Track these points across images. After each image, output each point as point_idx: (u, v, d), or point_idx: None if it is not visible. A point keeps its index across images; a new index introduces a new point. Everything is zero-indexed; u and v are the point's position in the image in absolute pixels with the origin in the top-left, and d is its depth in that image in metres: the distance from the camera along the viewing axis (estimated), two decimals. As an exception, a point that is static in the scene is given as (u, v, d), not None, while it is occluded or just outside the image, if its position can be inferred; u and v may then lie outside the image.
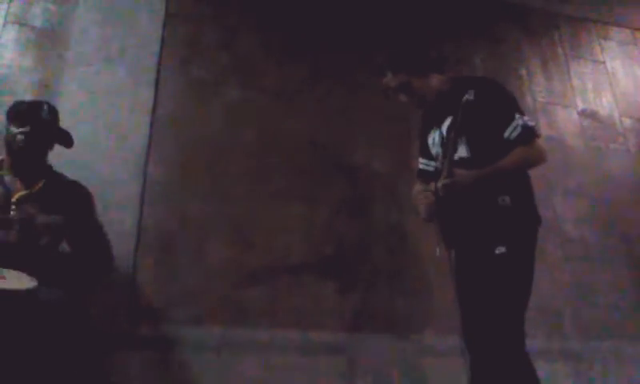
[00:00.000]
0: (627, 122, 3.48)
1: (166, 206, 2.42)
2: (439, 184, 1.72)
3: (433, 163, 1.98)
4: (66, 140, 1.87)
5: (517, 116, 1.73)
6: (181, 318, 2.26)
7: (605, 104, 3.49)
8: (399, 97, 1.91)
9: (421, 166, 2.05)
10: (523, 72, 3.38)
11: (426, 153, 2.02)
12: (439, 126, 1.88)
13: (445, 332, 2.53)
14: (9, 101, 2.29)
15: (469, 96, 1.69)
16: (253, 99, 2.75)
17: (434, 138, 1.92)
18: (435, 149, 1.92)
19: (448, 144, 1.76)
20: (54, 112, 1.83)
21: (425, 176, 2.03)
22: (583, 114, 3.40)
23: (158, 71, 2.63)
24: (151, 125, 2.52)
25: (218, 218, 2.47)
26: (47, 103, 1.85)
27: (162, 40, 2.70)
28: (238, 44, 2.85)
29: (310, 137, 2.77)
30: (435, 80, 1.90)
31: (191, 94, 2.67)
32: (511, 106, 1.77)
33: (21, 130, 1.71)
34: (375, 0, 3.21)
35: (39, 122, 1.75)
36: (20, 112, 1.77)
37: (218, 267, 2.39)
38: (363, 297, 2.53)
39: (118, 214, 2.27)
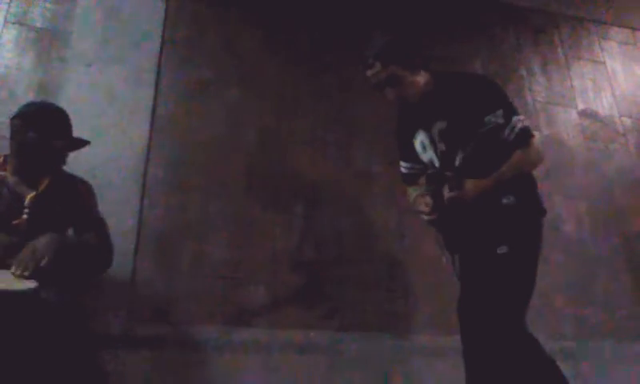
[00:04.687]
0: (627, 121, 3.48)
1: (166, 206, 2.42)
2: (445, 196, 1.66)
3: (417, 166, 1.93)
4: (76, 146, 1.87)
5: (514, 118, 1.69)
6: (181, 318, 2.26)
7: (605, 104, 3.48)
8: (386, 91, 1.77)
9: (405, 171, 2.00)
10: (523, 72, 3.38)
11: (408, 156, 1.95)
12: (427, 129, 1.79)
13: (445, 332, 2.53)
14: (9, 101, 2.31)
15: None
16: (253, 99, 2.75)
17: (422, 143, 1.84)
18: (427, 155, 1.83)
19: (450, 156, 1.73)
20: (61, 114, 1.83)
21: (411, 180, 1.99)
22: (583, 114, 3.40)
23: (158, 71, 2.63)
24: (151, 125, 2.52)
25: (218, 218, 2.47)
26: (56, 105, 1.86)
27: (162, 40, 2.70)
28: (238, 44, 2.85)
29: (310, 137, 2.77)
30: (423, 77, 1.78)
31: (191, 94, 2.67)
32: (508, 105, 1.72)
33: (32, 131, 1.71)
34: (375, 0, 3.22)
35: (50, 125, 1.75)
36: (30, 113, 1.76)
37: (218, 267, 2.39)
38: (363, 297, 2.53)
39: (118, 214, 2.26)
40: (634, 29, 3.87)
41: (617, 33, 3.82)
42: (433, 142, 1.79)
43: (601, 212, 3.11)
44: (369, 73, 1.77)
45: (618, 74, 3.64)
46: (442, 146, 1.77)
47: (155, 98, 2.57)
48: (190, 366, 2.19)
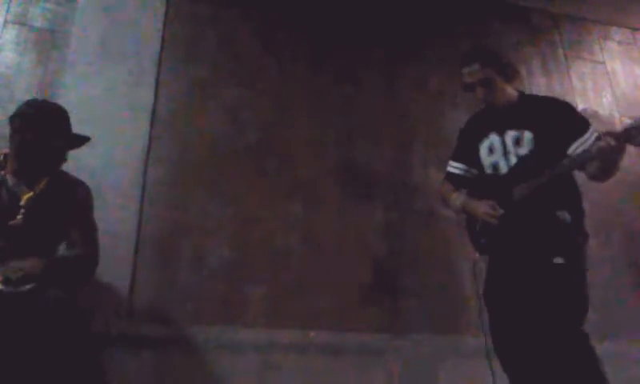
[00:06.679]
0: (627, 122, 3.47)
1: (166, 206, 2.42)
2: (600, 143, 1.71)
3: (472, 170, 1.98)
4: (76, 143, 1.85)
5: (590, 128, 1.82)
6: (181, 318, 2.26)
7: (605, 104, 3.48)
8: (476, 90, 1.89)
9: (456, 171, 2.03)
10: (523, 72, 3.38)
11: (466, 158, 2.00)
12: (500, 134, 1.87)
13: (445, 332, 2.53)
14: (9, 101, 2.31)
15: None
16: (253, 99, 2.75)
17: (491, 146, 1.90)
18: (492, 158, 1.89)
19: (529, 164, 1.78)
20: (61, 114, 1.81)
21: (456, 181, 2.00)
22: (583, 113, 3.38)
23: (158, 71, 2.63)
24: (151, 125, 2.52)
25: (217, 218, 2.47)
26: (55, 105, 1.84)
27: (162, 40, 2.70)
28: (238, 44, 2.85)
29: (310, 136, 2.77)
30: (510, 89, 1.92)
31: (191, 93, 2.67)
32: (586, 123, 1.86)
33: (31, 130, 1.69)
34: (374, 0, 3.22)
35: (49, 124, 1.73)
36: (30, 113, 1.74)
37: (218, 267, 2.39)
38: (363, 297, 2.53)
39: (118, 215, 2.27)
40: (633, 29, 3.87)
41: (617, 33, 3.82)
42: (504, 145, 1.86)
43: (601, 212, 3.10)
44: (465, 70, 1.91)
45: (618, 74, 3.64)
46: (519, 152, 1.82)
47: (155, 98, 2.57)
48: (190, 366, 2.19)
